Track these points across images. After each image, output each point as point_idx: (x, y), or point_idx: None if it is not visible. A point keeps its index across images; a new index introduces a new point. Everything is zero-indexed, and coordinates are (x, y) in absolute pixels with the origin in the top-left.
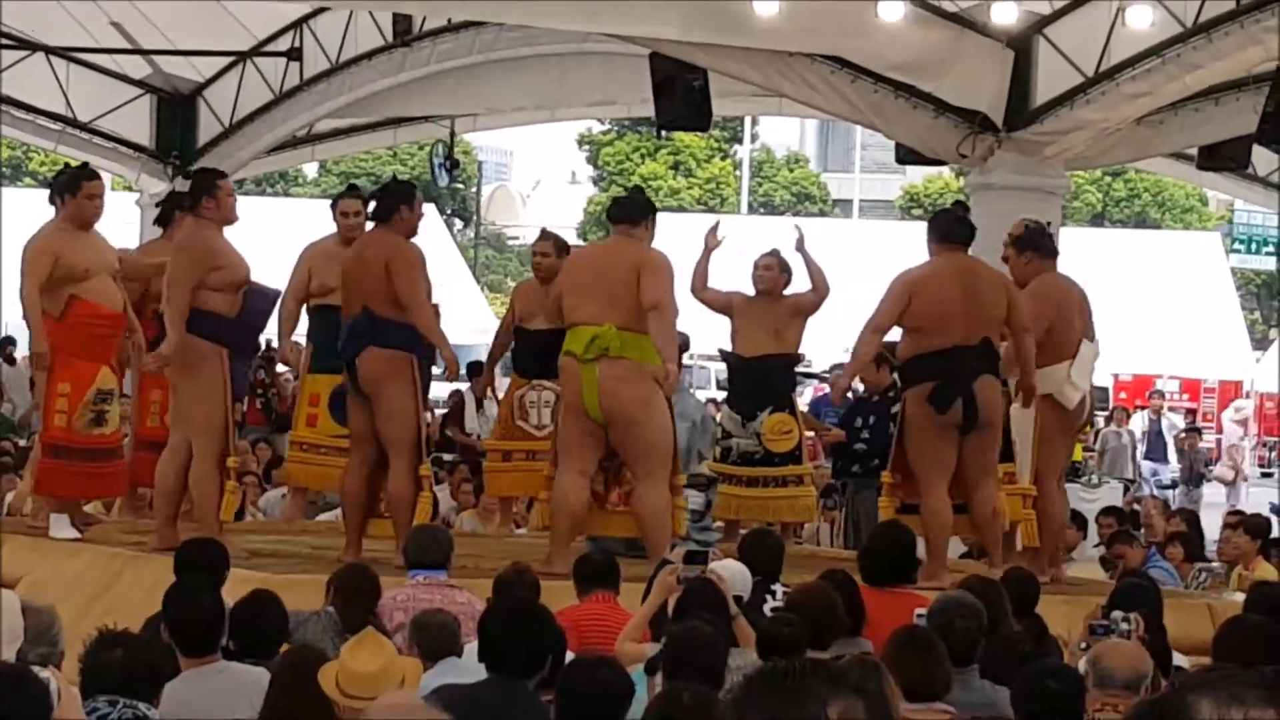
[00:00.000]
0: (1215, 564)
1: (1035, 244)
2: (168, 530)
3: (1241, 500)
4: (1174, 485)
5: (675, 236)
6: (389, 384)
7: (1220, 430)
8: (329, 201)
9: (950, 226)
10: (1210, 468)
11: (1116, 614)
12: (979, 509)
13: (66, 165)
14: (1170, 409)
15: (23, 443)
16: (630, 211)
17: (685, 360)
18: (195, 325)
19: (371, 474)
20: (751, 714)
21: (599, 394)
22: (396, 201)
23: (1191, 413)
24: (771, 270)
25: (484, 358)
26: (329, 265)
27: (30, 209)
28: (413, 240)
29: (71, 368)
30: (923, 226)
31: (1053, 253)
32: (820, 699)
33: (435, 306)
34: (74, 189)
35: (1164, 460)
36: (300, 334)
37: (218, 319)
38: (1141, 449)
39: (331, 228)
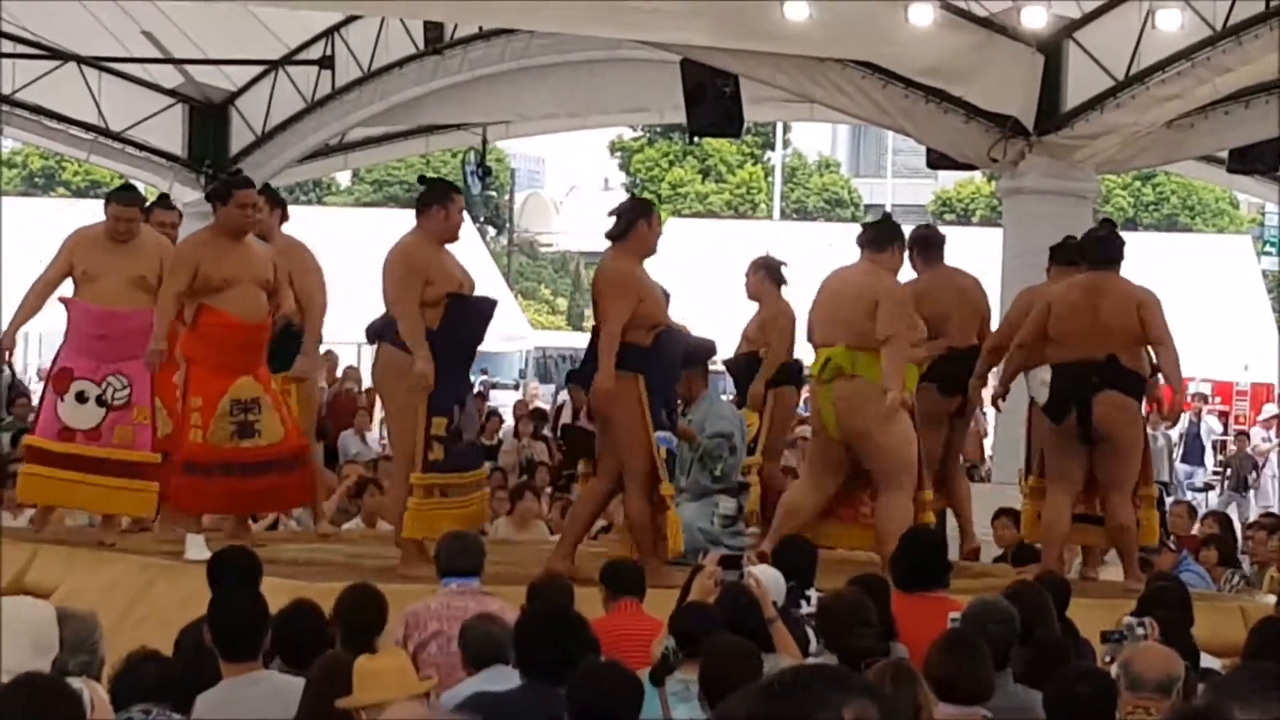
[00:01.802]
0: (1245, 567)
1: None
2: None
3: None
4: (1207, 489)
5: (705, 242)
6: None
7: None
8: (362, 209)
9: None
10: (1255, 473)
11: (1130, 620)
12: (1109, 520)
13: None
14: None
15: None
16: (875, 238)
17: (712, 368)
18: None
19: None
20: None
21: (835, 414)
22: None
23: (1224, 415)
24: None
25: (518, 367)
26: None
27: (63, 218)
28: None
29: (202, 381)
30: (957, 231)
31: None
32: (835, 704)
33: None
34: (225, 197)
35: (1200, 463)
36: None
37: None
38: (1179, 451)
39: (370, 235)
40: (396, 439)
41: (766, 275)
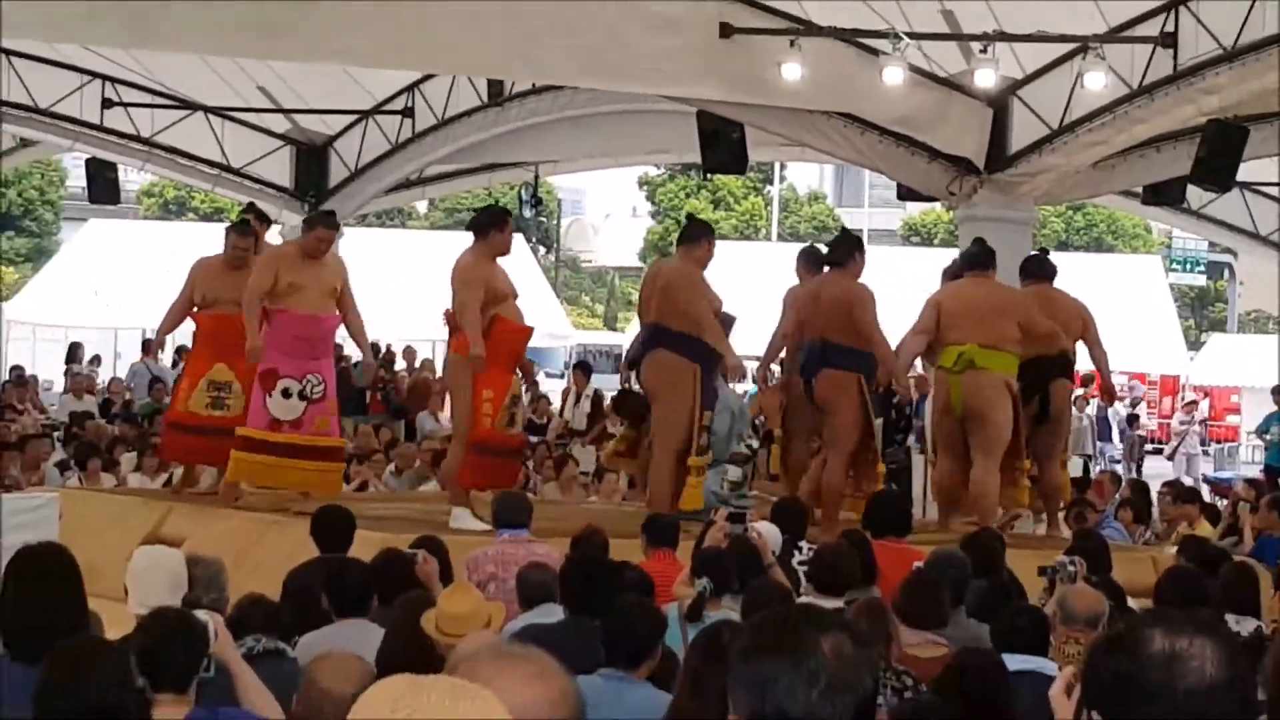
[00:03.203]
0: (1156, 524)
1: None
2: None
3: (1197, 471)
4: (1120, 461)
5: (715, 260)
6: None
7: (1165, 416)
8: (437, 231)
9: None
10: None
11: (1063, 558)
12: (1043, 484)
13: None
14: (1117, 399)
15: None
16: (978, 261)
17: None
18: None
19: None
20: (756, 657)
21: (962, 396)
22: (486, 227)
23: (1137, 400)
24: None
25: (563, 360)
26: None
27: (192, 239)
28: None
29: (493, 377)
30: (921, 251)
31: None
32: (813, 638)
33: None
34: (500, 226)
35: (1109, 441)
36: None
37: (691, 340)
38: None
39: (443, 253)
40: (667, 426)
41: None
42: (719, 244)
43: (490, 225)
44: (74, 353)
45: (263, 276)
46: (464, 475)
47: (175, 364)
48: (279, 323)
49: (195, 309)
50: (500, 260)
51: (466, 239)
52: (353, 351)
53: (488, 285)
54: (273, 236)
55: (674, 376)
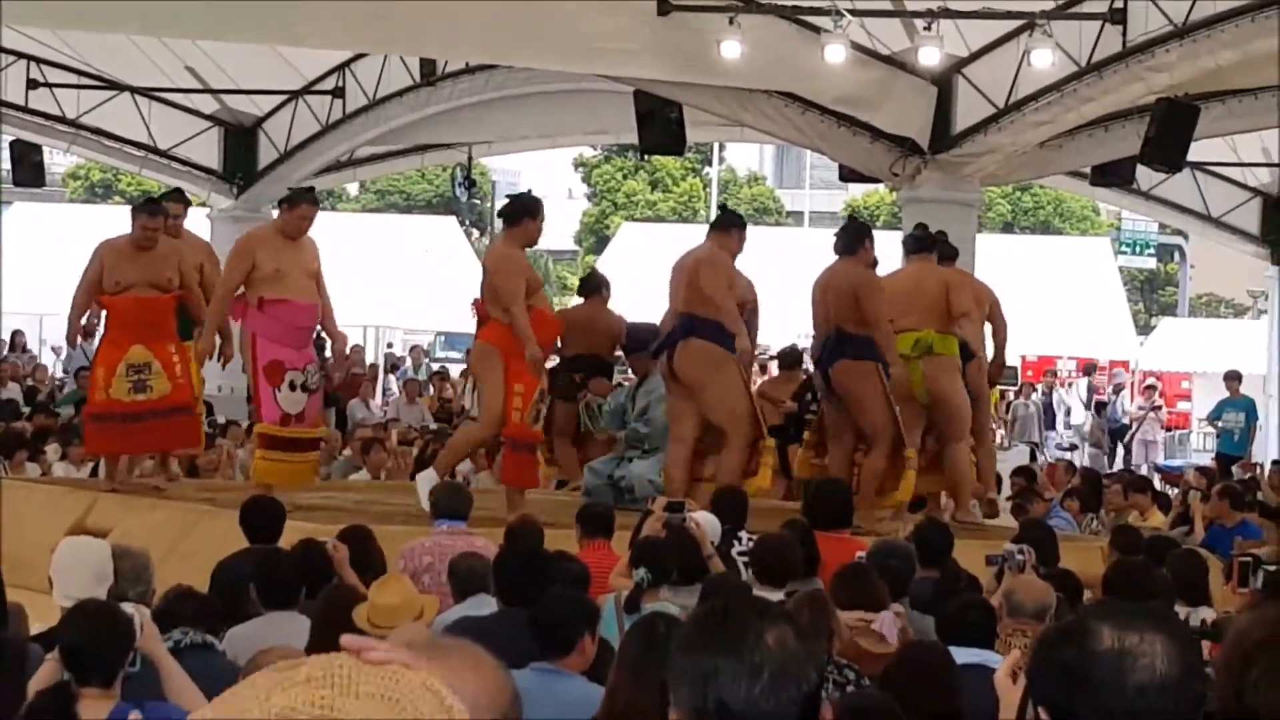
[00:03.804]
0: (1104, 513)
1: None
2: None
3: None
4: (1073, 448)
5: (653, 242)
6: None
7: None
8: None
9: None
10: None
11: (1011, 546)
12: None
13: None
14: (1066, 383)
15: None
16: (923, 245)
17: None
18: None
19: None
20: (698, 650)
21: (924, 382)
22: (519, 216)
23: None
24: None
25: None
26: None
27: (120, 224)
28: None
29: (525, 371)
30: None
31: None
32: (757, 630)
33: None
34: (534, 214)
35: (1053, 429)
36: None
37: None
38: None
39: (374, 236)
40: (724, 413)
41: None
42: (656, 227)
43: (524, 213)
44: (15, 340)
45: (241, 264)
46: (506, 474)
47: None
48: (277, 312)
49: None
50: (433, 242)
51: (396, 221)
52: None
53: (527, 277)
54: (200, 220)
55: (712, 365)
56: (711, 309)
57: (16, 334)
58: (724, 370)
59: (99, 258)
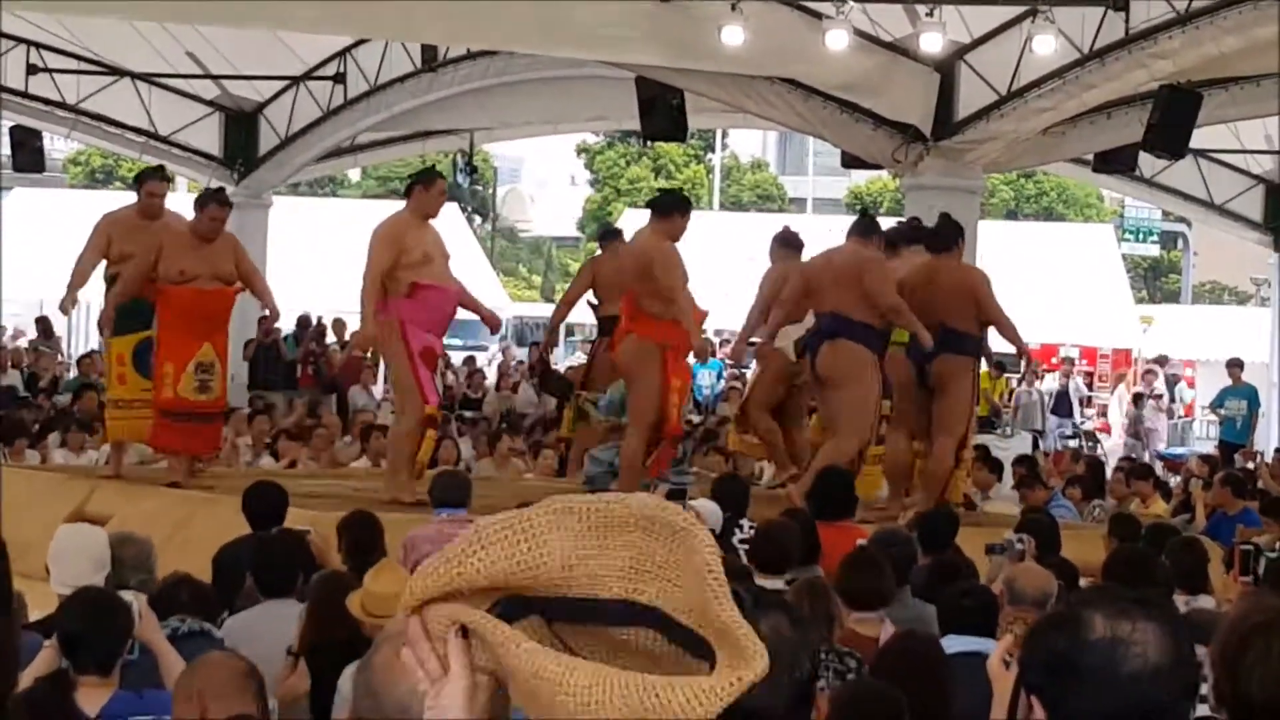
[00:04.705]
0: (1106, 501)
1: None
2: None
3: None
4: (1076, 437)
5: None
6: None
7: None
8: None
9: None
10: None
11: (1011, 536)
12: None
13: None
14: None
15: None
16: (862, 228)
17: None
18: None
19: None
20: None
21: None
22: (670, 209)
23: (1089, 375)
24: None
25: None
26: (128, 234)
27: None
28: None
29: (681, 367)
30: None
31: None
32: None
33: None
34: (685, 211)
35: (1069, 415)
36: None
37: (871, 329)
38: (1050, 404)
39: (375, 222)
40: (853, 413)
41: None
42: None
43: (674, 208)
44: (41, 327)
45: (390, 249)
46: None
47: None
48: (424, 297)
49: (153, 280)
50: (434, 227)
51: (398, 207)
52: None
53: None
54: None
55: (856, 366)
56: (870, 314)
57: (42, 320)
58: (862, 373)
59: (159, 247)
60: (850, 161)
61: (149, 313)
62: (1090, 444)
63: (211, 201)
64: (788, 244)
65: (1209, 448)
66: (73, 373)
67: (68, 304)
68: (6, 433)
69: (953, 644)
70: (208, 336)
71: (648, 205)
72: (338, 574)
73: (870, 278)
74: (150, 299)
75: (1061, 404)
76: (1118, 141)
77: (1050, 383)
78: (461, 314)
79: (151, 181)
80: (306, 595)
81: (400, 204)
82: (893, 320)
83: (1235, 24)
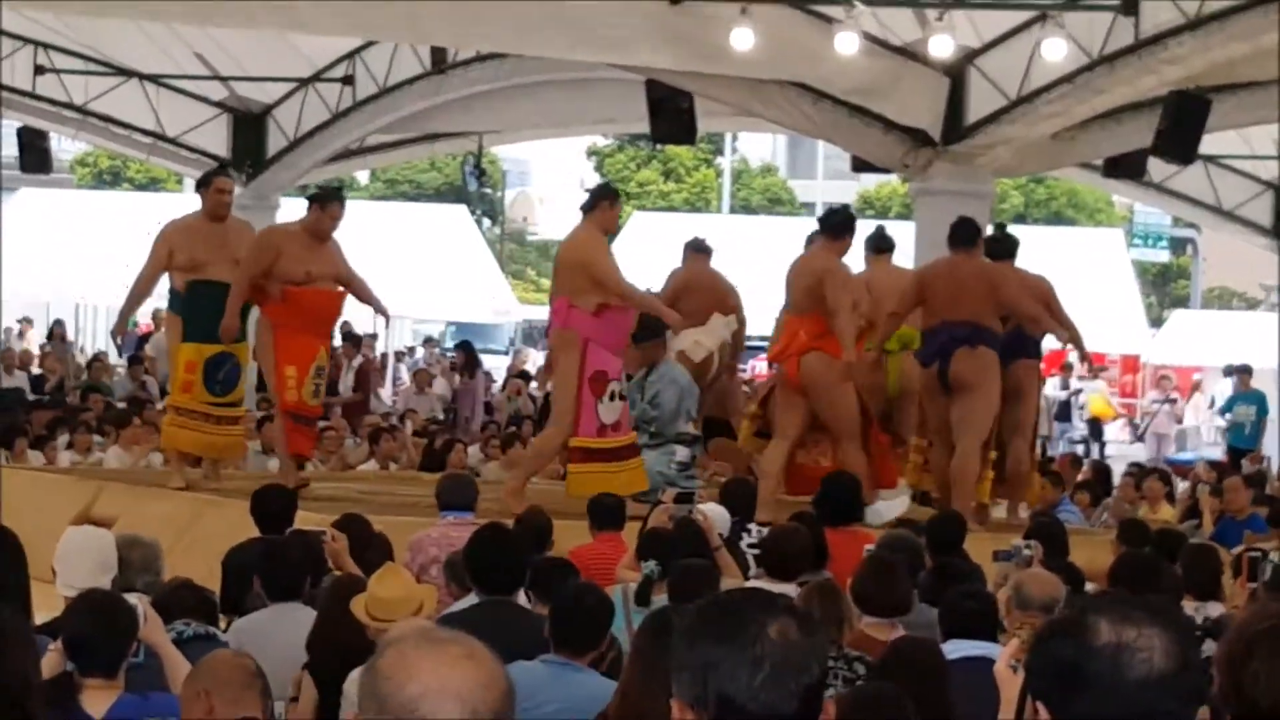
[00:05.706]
0: (1109, 501)
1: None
2: None
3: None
4: (1084, 441)
5: (665, 233)
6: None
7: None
8: (378, 202)
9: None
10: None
11: (1019, 542)
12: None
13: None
14: (1080, 377)
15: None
16: (966, 236)
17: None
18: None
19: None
20: (700, 640)
21: (900, 379)
22: (842, 230)
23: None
24: None
25: (508, 335)
26: (193, 241)
27: (128, 210)
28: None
29: None
30: (876, 224)
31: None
32: (759, 622)
33: None
34: (612, 200)
35: (1069, 421)
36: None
37: (998, 337)
38: (1054, 410)
39: (384, 225)
40: (980, 419)
41: None
42: (669, 216)
43: (844, 229)
44: (54, 331)
45: (607, 267)
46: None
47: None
48: (609, 318)
49: (278, 283)
50: (442, 232)
51: (407, 210)
52: None
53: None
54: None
55: (992, 371)
56: (993, 319)
57: (57, 324)
58: (993, 380)
59: (271, 246)
60: (860, 166)
61: (215, 322)
62: (1096, 438)
63: (334, 200)
64: (699, 250)
65: (1218, 453)
66: (82, 376)
67: (119, 329)
68: (7, 434)
69: (955, 649)
70: (325, 340)
71: (819, 221)
72: (352, 577)
73: (1007, 289)
74: (255, 302)
75: (1063, 411)
76: (1127, 146)
77: (1052, 389)
78: (476, 318)
79: (220, 178)
80: (314, 600)
81: (408, 205)
82: (1030, 328)
83: (1245, 30)
